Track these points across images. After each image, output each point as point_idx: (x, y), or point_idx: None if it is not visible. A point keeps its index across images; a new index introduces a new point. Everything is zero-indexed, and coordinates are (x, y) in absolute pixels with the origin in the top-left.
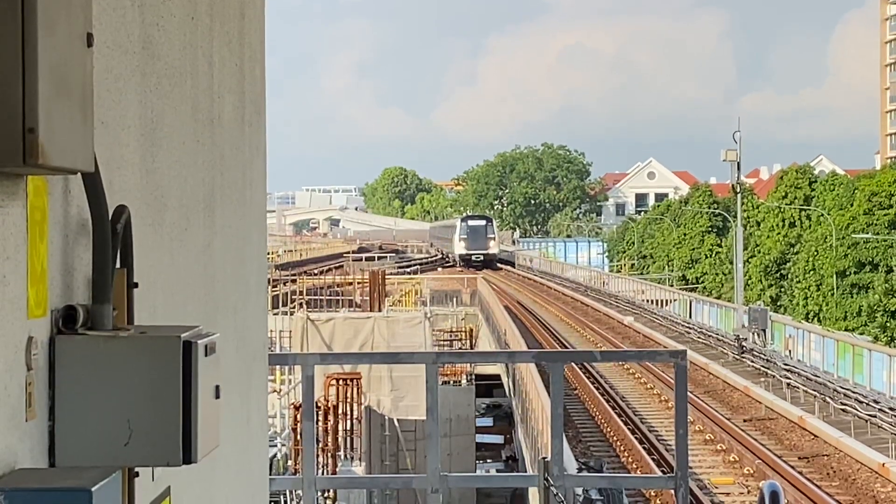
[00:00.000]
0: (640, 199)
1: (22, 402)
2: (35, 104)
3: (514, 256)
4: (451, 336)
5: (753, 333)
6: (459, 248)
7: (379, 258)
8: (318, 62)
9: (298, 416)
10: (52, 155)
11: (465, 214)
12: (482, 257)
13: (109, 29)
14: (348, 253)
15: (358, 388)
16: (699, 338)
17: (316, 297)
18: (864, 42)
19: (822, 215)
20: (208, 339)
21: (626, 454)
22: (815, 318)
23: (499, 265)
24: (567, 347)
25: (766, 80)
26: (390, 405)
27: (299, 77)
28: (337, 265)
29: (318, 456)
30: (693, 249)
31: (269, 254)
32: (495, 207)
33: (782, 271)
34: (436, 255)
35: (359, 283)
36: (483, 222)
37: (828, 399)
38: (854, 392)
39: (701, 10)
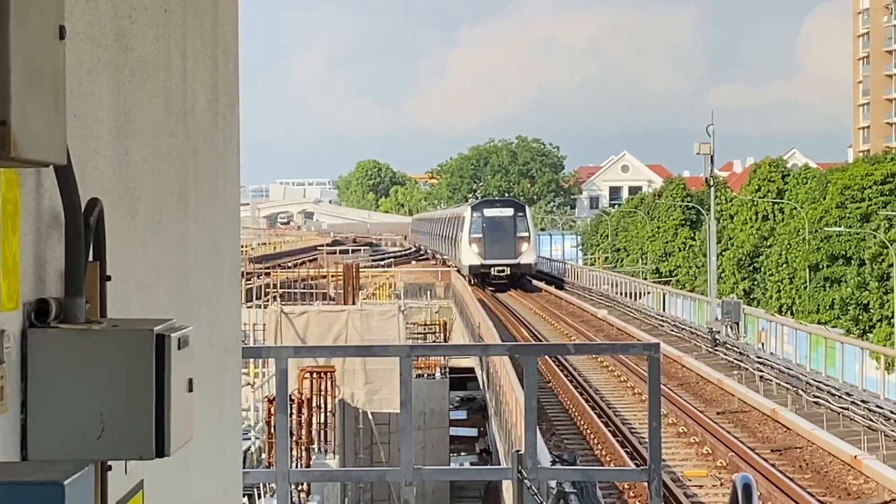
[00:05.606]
0: (614, 192)
1: None
2: (7, 97)
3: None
4: (424, 329)
5: (726, 326)
6: (470, 254)
7: (353, 251)
8: (290, 53)
9: (272, 409)
10: (24, 148)
11: (477, 199)
12: (507, 270)
13: (82, 21)
14: (322, 246)
15: (332, 381)
16: (672, 331)
17: (290, 290)
18: (835, 35)
19: (795, 209)
20: (181, 333)
21: (599, 447)
22: (788, 311)
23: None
24: (541, 340)
25: (738, 72)
26: (364, 398)
27: (272, 68)
28: (311, 258)
29: (291, 449)
30: (667, 243)
31: (242, 247)
32: (469, 201)
33: (755, 264)
34: (409, 248)
35: (333, 276)
36: (510, 211)
37: (800, 392)
38: (826, 385)
39: (672, 2)
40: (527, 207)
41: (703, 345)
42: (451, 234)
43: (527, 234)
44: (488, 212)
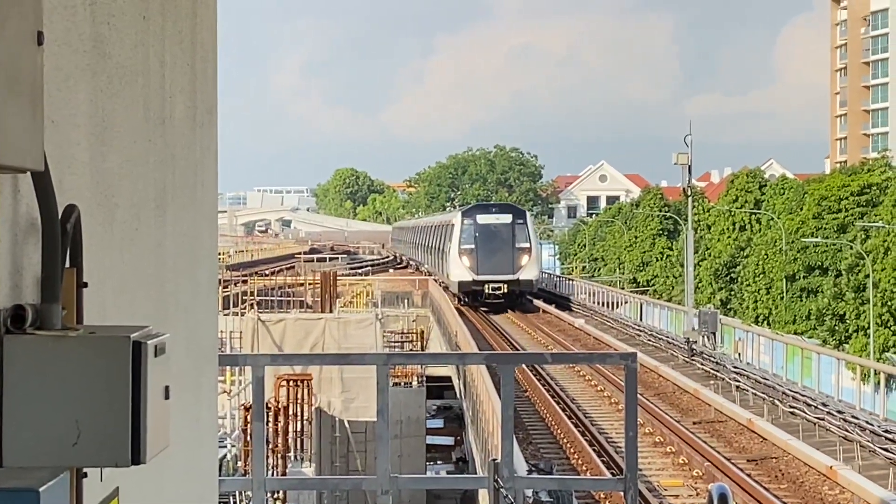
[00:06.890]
0: (592, 201)
1: None
2: None
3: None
4: (402, 337)
5: (703, 336)
6: (459, 268)
7: (330, 259)
8: (268, 61)
9: (249, 417)
10: (1, 153)
11: (455, 207)
12: (504, 287)
13: (60, 27)
14: (300, 254)
15: (308, 390)
16: (649, 340)
17: (267, 298)
18: (812, 45)
19: (772, 219)
20: (158, 340)
21: (576, 456)
22: (765, 322)
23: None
24: (518, 349)
25: (715, 81)
26: (341, 406)
27: (250, 75)
28: (288, 266)
29: (268, 457)
30: (644, 252)
31: (220, 254)
32: (447, 210)
33: (732, 275)
34: (387, 257)
35: (310, 284)
36: (507, 218)
37: (777, 402)
38: (803, 395)
39: (648, 12)
40: (527, 214)
41: (679, 354)
42: (438, 245)
43: (527, 244)
44: (482, 218)
